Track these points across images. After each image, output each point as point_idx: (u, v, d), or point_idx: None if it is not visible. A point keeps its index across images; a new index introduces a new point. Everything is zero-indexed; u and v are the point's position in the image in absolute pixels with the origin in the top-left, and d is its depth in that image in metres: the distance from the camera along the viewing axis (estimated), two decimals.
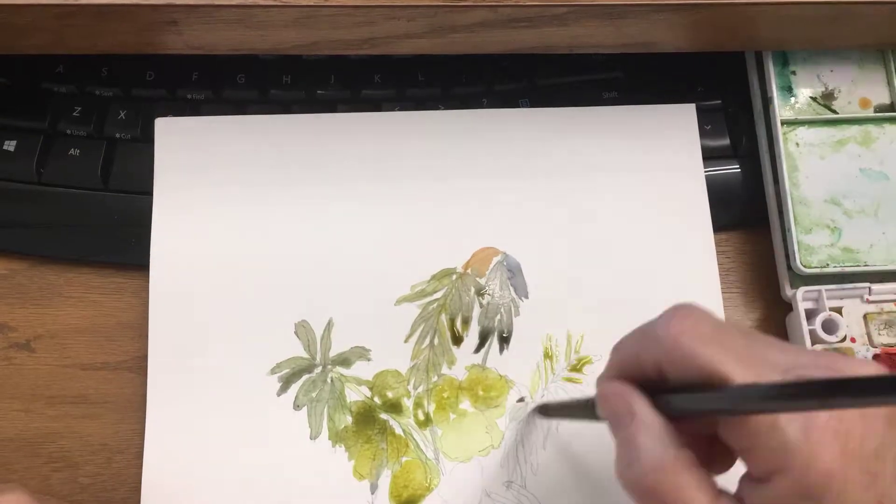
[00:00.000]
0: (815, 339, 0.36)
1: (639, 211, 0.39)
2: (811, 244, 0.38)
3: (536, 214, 0.39)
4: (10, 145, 0.39)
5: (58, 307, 0.38)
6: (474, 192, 0.39)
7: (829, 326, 0.37)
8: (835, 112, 0.40)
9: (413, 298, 0.38)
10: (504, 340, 0.37)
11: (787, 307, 0.38)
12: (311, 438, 0.36)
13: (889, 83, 0.40)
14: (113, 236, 0.38)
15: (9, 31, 0.35)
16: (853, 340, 0.37)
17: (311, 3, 0.34)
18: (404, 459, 0.36)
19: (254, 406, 0.36)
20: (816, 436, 0.21)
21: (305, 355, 0.37)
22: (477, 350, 0.37)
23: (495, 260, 0.38)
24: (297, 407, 0.36)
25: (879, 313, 0.37)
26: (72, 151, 0.39)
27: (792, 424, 0.21)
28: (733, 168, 0.40)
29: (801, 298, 0.37)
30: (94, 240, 0.38)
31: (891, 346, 0.37)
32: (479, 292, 0.38)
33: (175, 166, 0.39)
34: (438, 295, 0.38)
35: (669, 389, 0.24)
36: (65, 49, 0.37)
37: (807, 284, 0.37)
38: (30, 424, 0.37)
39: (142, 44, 0.37)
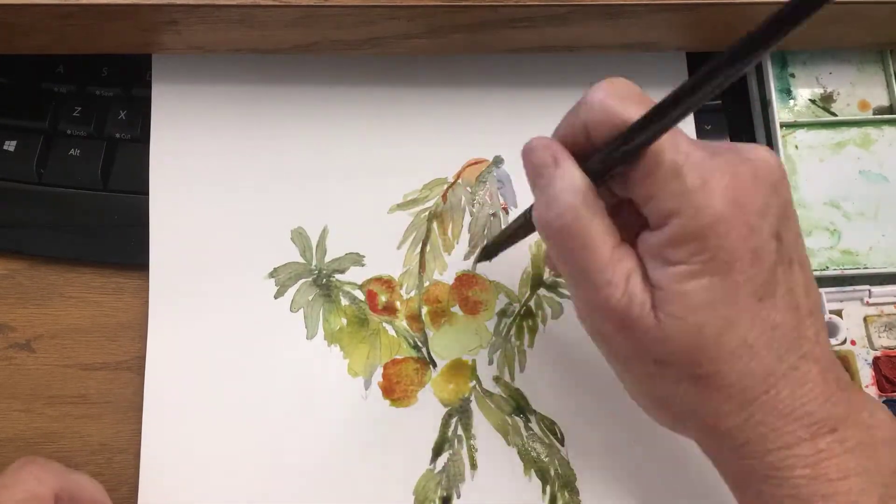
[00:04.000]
0: None
1: None
2: (811, 247, 0.38)
3: (529, 125, 0.39)
4: (10, 145, 0.39)
5: (58, 307, 0.38)
6: (466, 103, 0.40)
7: (830, 329, 0.37)
8: (834, 114, 0.40)
9: (405, 207, 0.39)
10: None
11: None
12: (307, 339, 0.37)
13: (888, 85, 0.40)
14: (113, 236, 0.38)
15: (9, 31, 0.35)
16: (853, 343, 0.37)
17: (311, 3, 0.34)
18: (397, 358, 0.37)
19: (251, 309, 0.37)
20: (712, 184, 0.24)
21: (301, 261, 0.38)
22: (467, 257, 0.39)
23: (486, 170, 0.40)
24: (293, 310, 0.37)
25: (879, 315, 0.37)
26: (72, 151, 0.39)
27: (692, 173, 0.24)
28: None
29: None
30: (94, 240, 0.38)
31: (891, 348, 0.37)
32: (470, 201, 0.39)
33: (173, 97, 0.39)
34: (430, 203, 0.39)
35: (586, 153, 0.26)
36: (65, 49, 0.37)
37: None
38: (30, 424, 0.37)
39: (142, 44, 0.37)
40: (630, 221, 0.27)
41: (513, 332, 0.38)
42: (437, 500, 0.35)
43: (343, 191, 0.39)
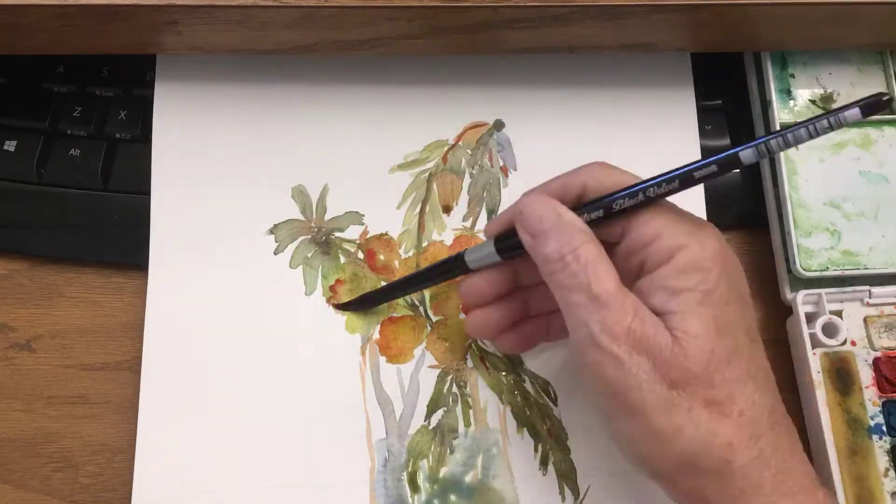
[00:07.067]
0: (816, 343, 0.36)
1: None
2: (811, 247, 0.38)
3: (531, 89, 0.40)
4: (10, 145, 0.39)
5: (58, 307, 0.38)
6: (468, 66, 0.40)
7: (830, 330, 0.37)
8: None
9: (406, 167, 0.39)
10: (492, 209, 0.39)
11: (788, 310, 0.38)
12: (305, 295, 0.38)
13: (888, 86, 0.40)
14: (113, 236, 0.39)
15: (9, 32, 0.35)
16: (854, 343, 0.37)
17: (311, 4, 0.34)
18: (394, 315, 0.38)
19: (250, 264, 0.38)
20: (709, 229, 0.28)
21: (301, 218, 0.38)
22: (465, 218, 0.39)
23: (486, 133, 0.40)
24: (292, 266, 0.38)
25: (880, 316, 0.37)
26: (72, 151, 0.39)
27: (694, 217, 0.29)
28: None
29: (802, 302, 0.37)
30: (94, 240, 0.39)
31: (891, 349, 0.37)
32: (470, 164, 0.40)
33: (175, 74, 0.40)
34: (430, 165, 0.40)
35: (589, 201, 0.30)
36: (65, 49, 0.37)
37: (807, 287, 0.37)
38: (30, 424, 0.37)
39: (142, 44, 0.37)
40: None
41: None
42: (431, 456, 0.36)
43: (344, 151, 0.39)
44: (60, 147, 0.39)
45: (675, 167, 0.28)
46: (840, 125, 0.26)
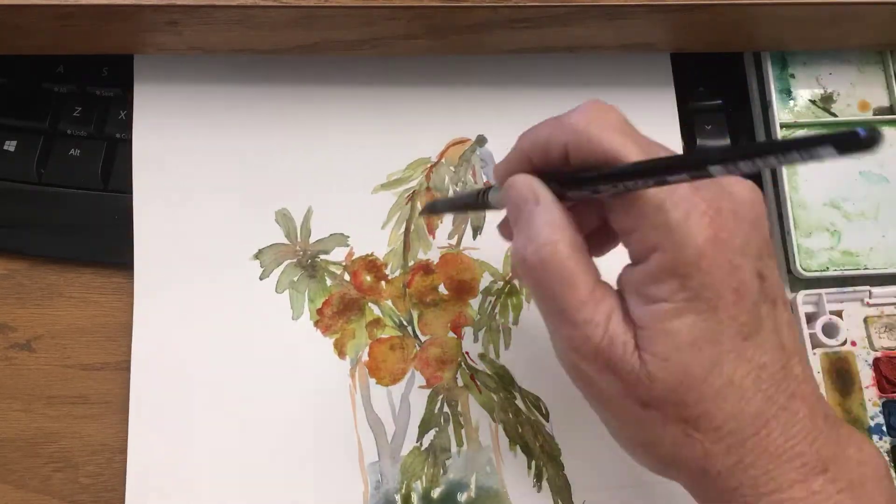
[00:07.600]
0: (816, 343, 0.36)
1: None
2: (811, 248, 0.38)
3: (512, 104, 0.40)
4: (10, 145, 0.39)
5: (58, 307, 0.38)
6: (450, 82, 0.40)
7: (830, 330, 0.37)
8: (834, 115, 0.40)
9: (389, 187, 0.39)
10: (477, 227, 0.39)
11: None
12: (293, 319, 0.37)
13: (888, 86, 0.40)
14: (113, 236, 0.38)
15: (9, 32, 0.35)
16: (854, 344, 0.37)
17: (311, 4, 0.34)
18: (382, 337, 0.38)
19: (236, 292, 0.37)
20: (694, 220, 0.23)
21: (286, 242, 0.38)
22: (451, 236, 0.39)
23: (468, 149, 0.40)
24: (278, 291, 0.38)
25: (880, 316, 0.37)
26: (72, 151, 0.39)
27: (675, 208, 0.24)
28: None
29: (802, 302, 0.37)
30: (94, 240, 0.39)
31: (891, 349, 0.37)
32: (453, 181, 0.40)
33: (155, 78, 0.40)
34: (414, 183, 0.39)
35: (569, 176, 0.26)
36: (65, 49, 0.37)
37: (807, 288, 0.37)
38: (30, 424, 0.37)
39: (142, 44, 0.37)
40: (603, 239, 0.28)
41: (497, 309, 0.38)
42: (424, 477, 0.36)
43: (327, 172, 0.39)
44: (60, 147, 0.39)
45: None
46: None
